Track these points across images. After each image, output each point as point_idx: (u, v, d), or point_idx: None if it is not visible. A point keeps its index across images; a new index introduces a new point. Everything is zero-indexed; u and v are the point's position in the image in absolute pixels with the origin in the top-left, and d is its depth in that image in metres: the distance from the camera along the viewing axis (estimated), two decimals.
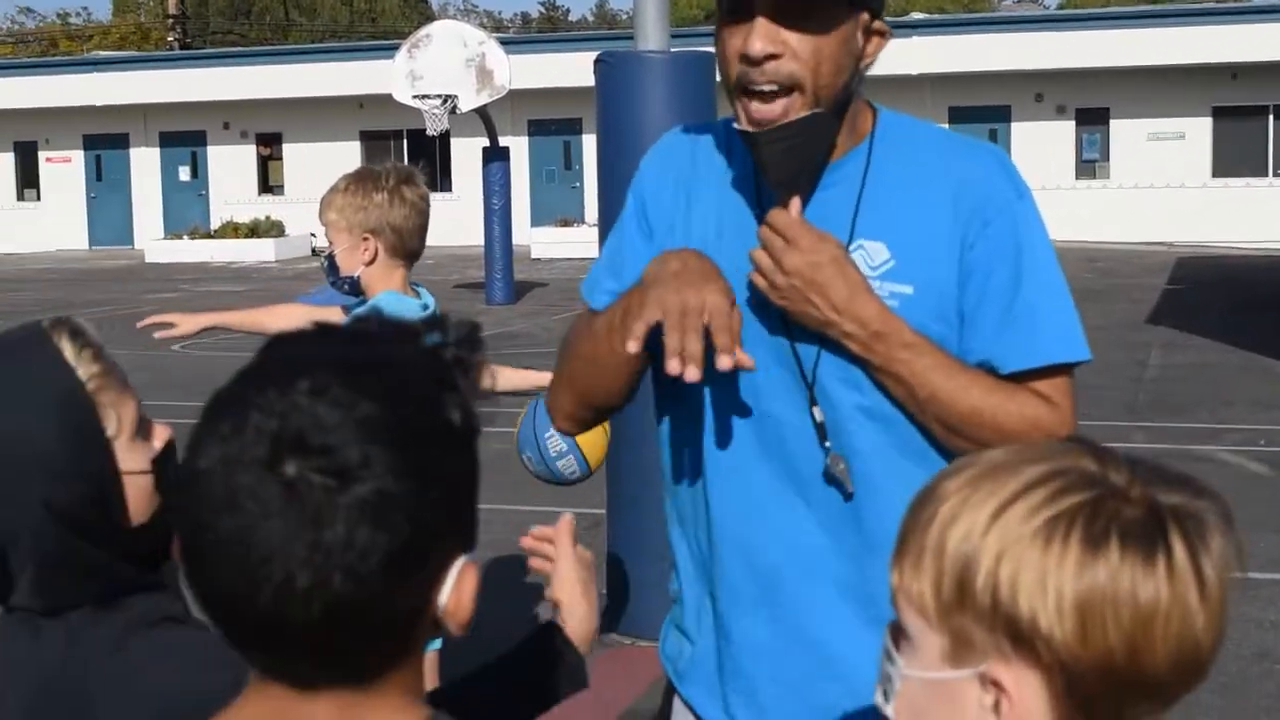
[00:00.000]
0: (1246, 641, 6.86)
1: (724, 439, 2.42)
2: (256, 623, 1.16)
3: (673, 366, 2.13)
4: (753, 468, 2.41)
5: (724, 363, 2.13)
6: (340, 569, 1.13)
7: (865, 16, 2.29)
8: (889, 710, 1.43)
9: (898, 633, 1.42)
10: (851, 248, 2.33)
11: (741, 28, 2.25)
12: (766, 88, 2.24)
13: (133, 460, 1.91)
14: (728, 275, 2.32)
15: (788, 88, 2.24)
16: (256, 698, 1.26)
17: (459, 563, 1.25)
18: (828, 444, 2.33)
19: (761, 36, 2.21)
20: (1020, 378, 2.33)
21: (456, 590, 1.25)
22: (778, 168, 2.31)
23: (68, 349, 1.89)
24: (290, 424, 1.13)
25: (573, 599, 2.11)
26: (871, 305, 2.27)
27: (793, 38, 2.22)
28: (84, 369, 1.88)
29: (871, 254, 2.34)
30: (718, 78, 8.02)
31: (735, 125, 2.34)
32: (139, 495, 1.91)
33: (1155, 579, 1.29)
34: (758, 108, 2.26)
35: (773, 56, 2.22)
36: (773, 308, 2.33)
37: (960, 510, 1.35)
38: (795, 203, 2.30)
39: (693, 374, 2.12)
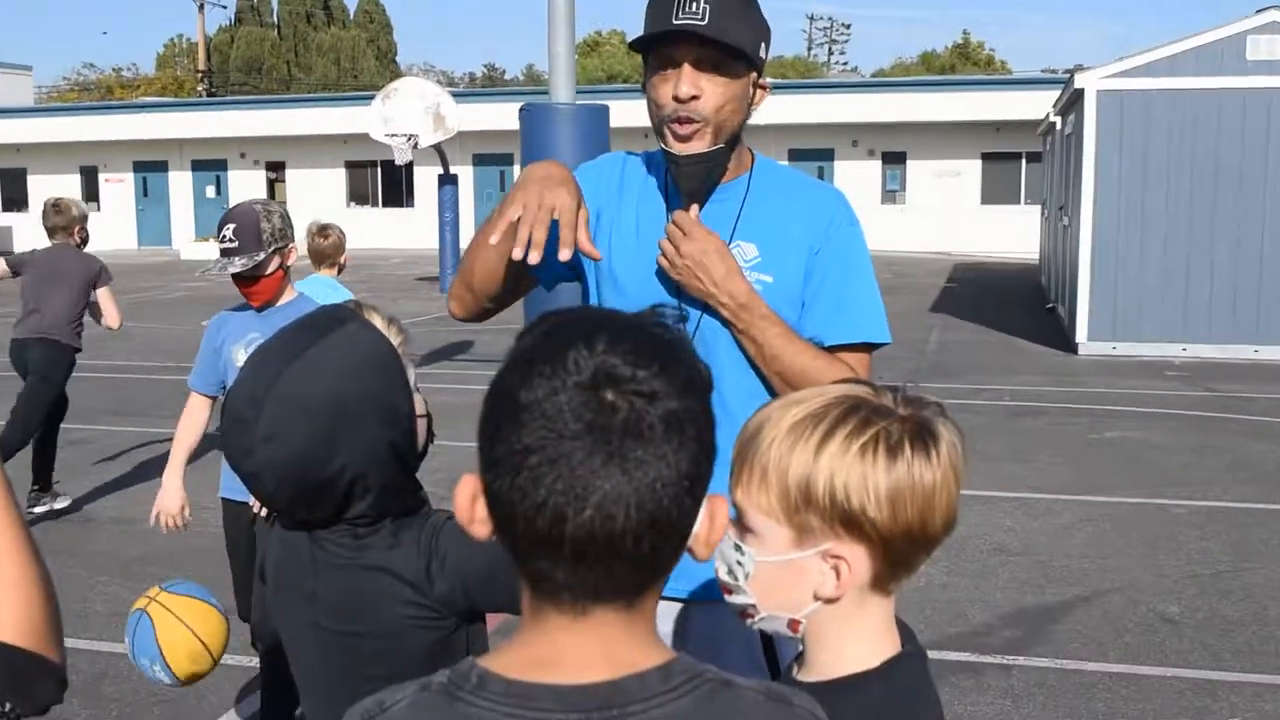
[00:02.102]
0: (989, 540, 7.08)
1: None
2: (577, 532, 1.02)
3: (516, 253, 2.16)
4: None
5: (563, 254, 2.19)
6: (656, 478, 1.02)
7: (754, 75, 2.36)
8: (745, 588, 1.49)
9: (742, 532, 1.47)
10: (731, 245, 2.39)
11: (671, 76, 2.28)
12: (687, 121, 2.28)
13: (419, 406, 1.86)
14: (644, 258, 2.42)
15: (700, 121, 2.29)
16: (532, 626, 1.11)
17: (707, 498, 1.11)
18: None
19: (687, 81, 2.26)
20: (837, 349, 2.41)
21: (709, 516, 1.11)
22: (688, 182, 2.37)
23: (378, 322, 1.82)
24: (604, 362, 1.03)
25: None
26: (741, 285, 2.35)
27: (708, 84, 2.28)
28: (393, 337, 1.81)
29: (745, 251, 2.41)
30: (613, 123, 8.05)
31: (664, 149, 2.36)
32: (421, 434, 1.87)
33: (932, 468, 1.41)
34: (678, 138, 2.31)
35: (694, 97, 2.27)
36: (674, 287, 2.39)
37: (796, 442, 1.42)
38: (695, 208, 2.38)
39: (533, 257, 2.16)
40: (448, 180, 24.11)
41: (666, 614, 2.45)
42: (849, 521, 1.40)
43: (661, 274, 2.41)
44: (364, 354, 1.77)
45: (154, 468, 9.07)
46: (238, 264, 3.95)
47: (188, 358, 16.33)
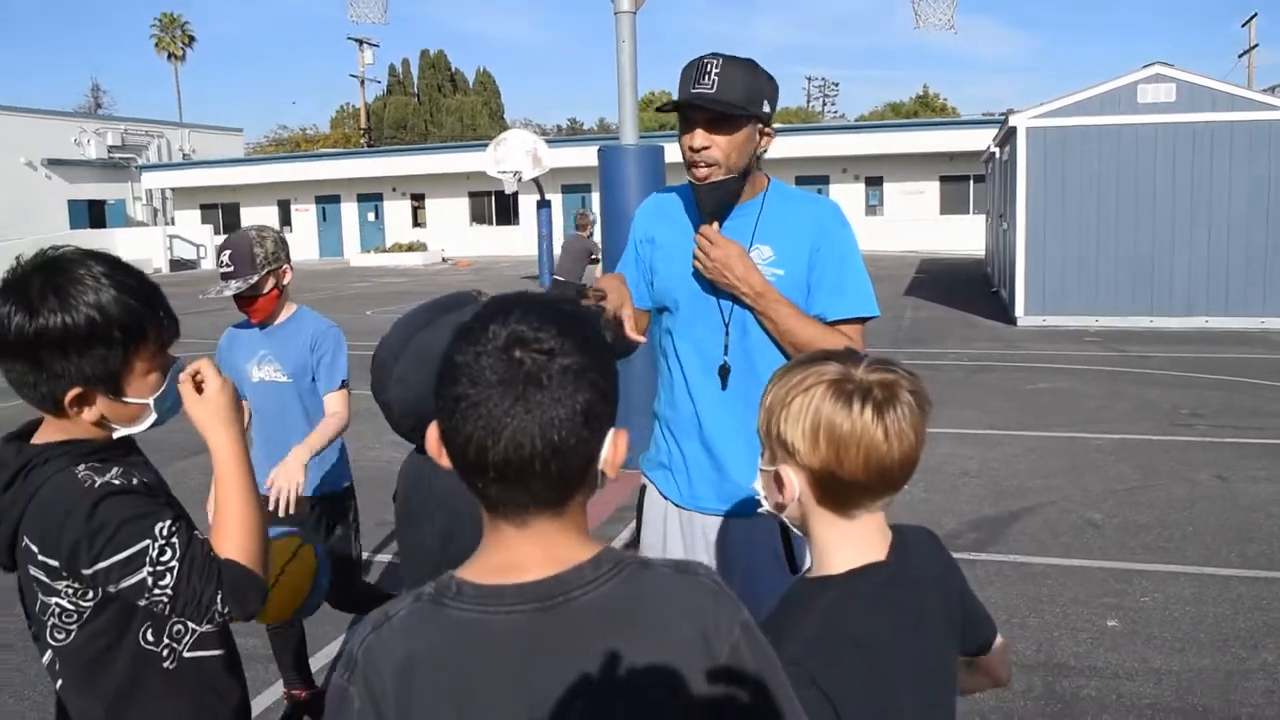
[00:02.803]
0: (956, 466, 6.95)
1: (683, 355, 2.47)
2: (496, 459, 1.03)
3: (638, 338, 2.26)
4: (692, 367, 2.46)
5: (636, 338, 2.26)
6: (554, 415, 1.03)
7: (759, 124, 2.34)
8: (755, 488, 1.48)
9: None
10: (751, 248, 2.38)
11: (689, 133, 2.32)
12: (702, 164, 2.32)
13: None
14: (678, 266, 2.45)
15: (713, 165, 2.31)
16: (492, 537, 1.11)
17: (611, 431, 1.10)
18: (726, 355, 2.41)
19: (699, 138, 2.30)
20: (837, 323, 2.38)
21: (614, 446, 1.10)
22: (708, 204, 2.37)
23: None
24: (515, 331, 1.04)
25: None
26: (757, 278, 2.33)
27: (717, 138, 2.29)
28: None
29: (763, 252, 2.39)
30: (666, 159, 7.91)
31: (690, 181, 2.38)
32: None
33: (850, 419, 1.32)
34: (698, 174, 2.33)
35: (706, 148, 2.30)
36: (709, 284, 2.39)
37: (772, 388, 1.41)
38: (715, 225, 2.38)
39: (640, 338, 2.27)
40: (543, 205, 24.12)
41: (710, 526, 2.48)
42: (785, 448, 1.37)
43: (697, 273, 2.41)
44: None
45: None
46: (233, 286, 3.38)
47: (358, 338, 16.54)
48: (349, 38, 49.40)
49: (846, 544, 1.39)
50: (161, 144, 42.01)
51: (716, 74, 2.26)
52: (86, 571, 1.46)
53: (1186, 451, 7.33)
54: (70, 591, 1.52)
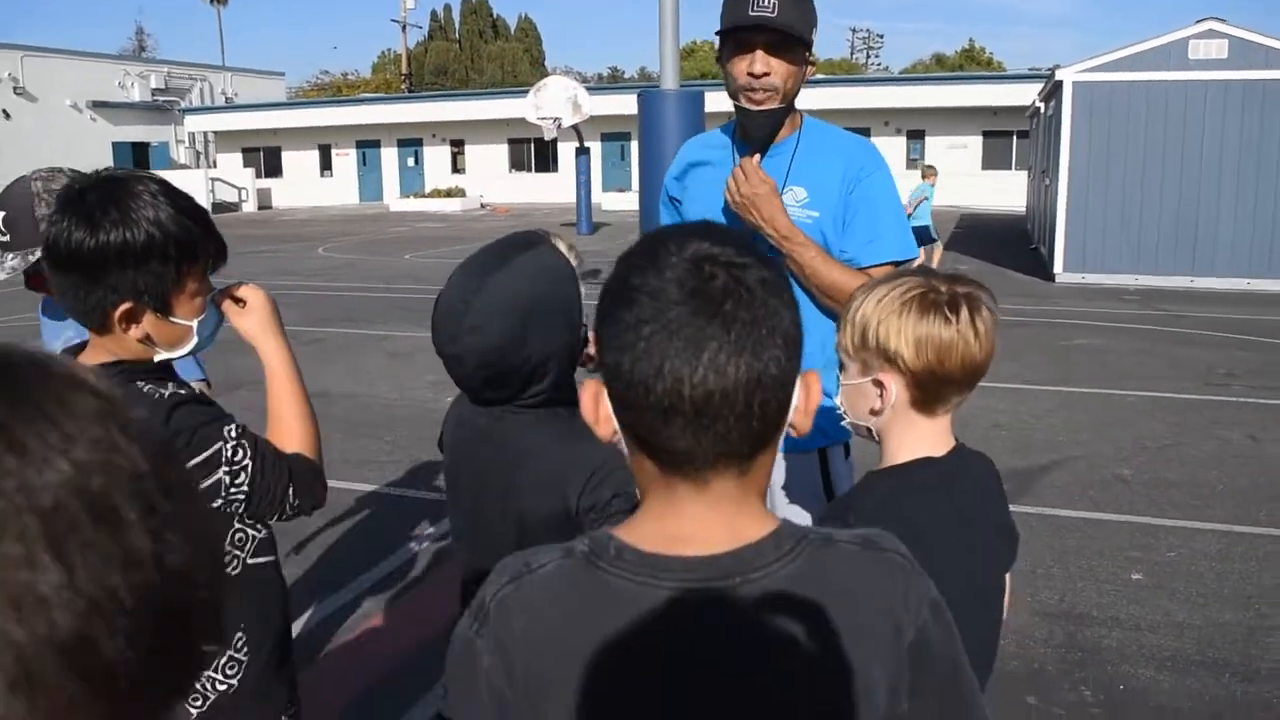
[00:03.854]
0: (987, 419, 6.89)
1: None
2: (695, 391, 0.85)
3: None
4: None
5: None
6: (756, 335, 0.87)
7: (808, 53, 2.28)
8: (838, 403, 1.59)
9: (841, 366, 1.56)
10: (785, 189, 2.32)
11: (746, 57, 2.24)
12: (761, 91, 2.25)
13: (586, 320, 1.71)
14: (716, 202, 2.37)
15: (772, 91, 2.25)
16: (661, 499, 0.94)
17: (801, 371, 0.93)
18: None
19: (761, 62, 2.23)
20: (871, 268, 2.30)
21: (805, 389, 0.94)
22: (758, 131, 2.31)
23: (562, 246, 1.71)
24: (699, 247, 0.89)
25: None
26: (784, 220, 2.28)
27: (776, 63, 2.23)
28: (572, 259, 1.71)
29: (797, 193, 2.34)
30: (707, 107, 7.84)
31: (739, 106, 2.29)
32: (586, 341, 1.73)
33: (951, 329, 1.44)
34: (755, 99, 2.26)
35: (766, 74, 2.24)
36: (734, 218, 2.32)
37: (862, 304, 1.50)
38: (756, 157, 2.31)
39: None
40: (582, 152, 24.07)
41: None
42: (887, 357, 1.47)
43: (726, 211, 2.35)
44: (551, 269, 1.66)
45: (372, 359, 9.24)
46: (8, 265, 2.24)
47: (396, 281, 16.60)
48: None
49: (919, 442, 1.51)
50: (204, 87, 42.17)
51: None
52: None
53: (1220, 411, 7.26)
54: None
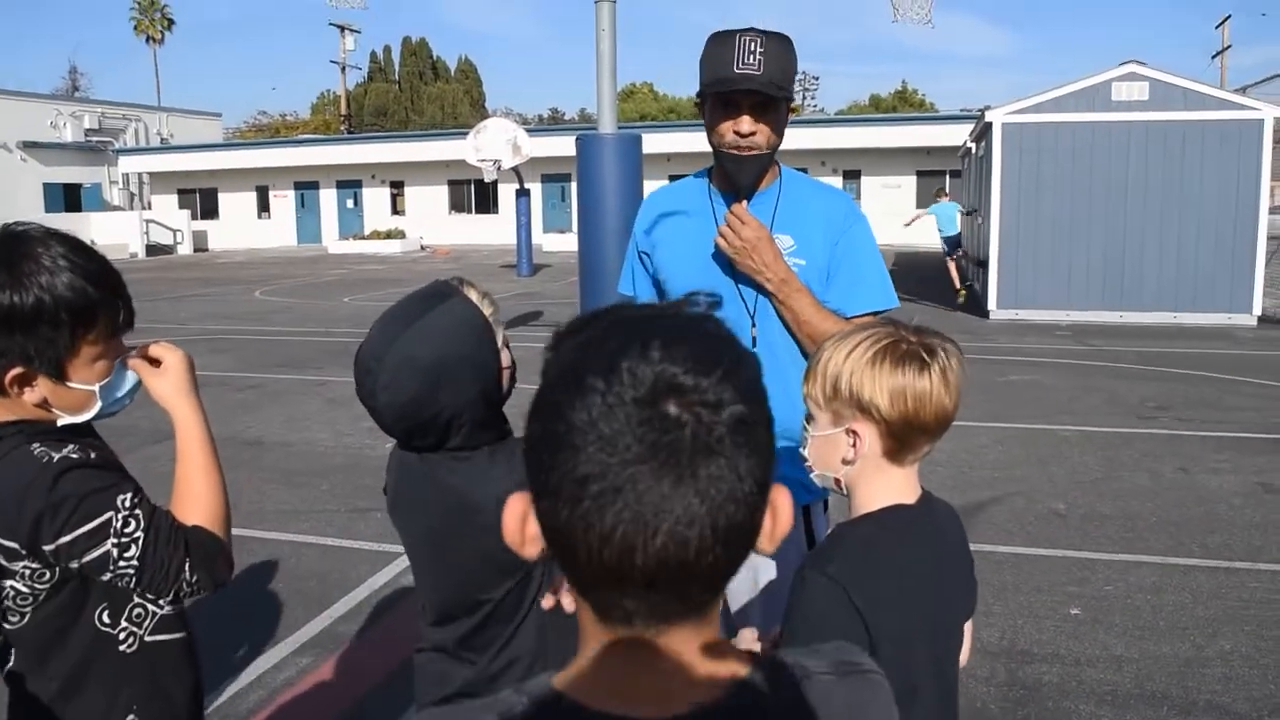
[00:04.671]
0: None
1: None
2: (647, 562, 0.71)
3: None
4: None
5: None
6: (730, 493, 0.71)
7: (789, 102, 2.26)
8: (806, 455, 1.59)
9: (808, 418, 1.58)
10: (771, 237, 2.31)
11: (732, 118, 2.22)
12: (748, 149, 2.23)
13: (506, 359, 1.75)
14: (696, 251, 2.34)
15: (757, 149, 2.24)
16: (606, 650, 0.78)
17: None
18: (755, 347, 2.29)
19: (748, 123, 2.21)
20: (854, 317, 2.28)
21: (773, 509, 0.77)
22: (746, 177, 2.28)
23: (474, 295, 1.72)
24: (664, 372, 0.71)
25: None
26: (783, 266, 2.26)
27: (763, 122, 2.22)
28: (485, 308, 1.72)
29: (783, 241, 2.31)
30: (645, 149, 7.83)
31: (725, 152, 2.26)
32: (506, 381, 1.75)
33: (926, 379, 1.47)
34: (740, 154, 2.24)
35: (753, 134, 2.22)
36: (730, 270, 2.30)
37: (832, 355, 1.52)
38: (745, 204, 2.29)
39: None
40: (522, 194, 24.08)
41: None
42: (860, 407, 1.49)
43: (721, 262, 2.31)
44: (462, 322, 1.68)
45: (308, 404, 9.09)
46: None
47: (333, 324, 16.39)
48: (331, 23, 49.11)
49: (890, 490, 1.53)
50: (139, 128, 41.59)
51: (761, 54, 2.16)
52: (49, 547, 1.43)
53: (1151, 443, 7.40)
54: (27, 573, 1.48)
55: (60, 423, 1.56)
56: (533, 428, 0.75)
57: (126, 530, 1.46)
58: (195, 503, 1.57)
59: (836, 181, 33.77)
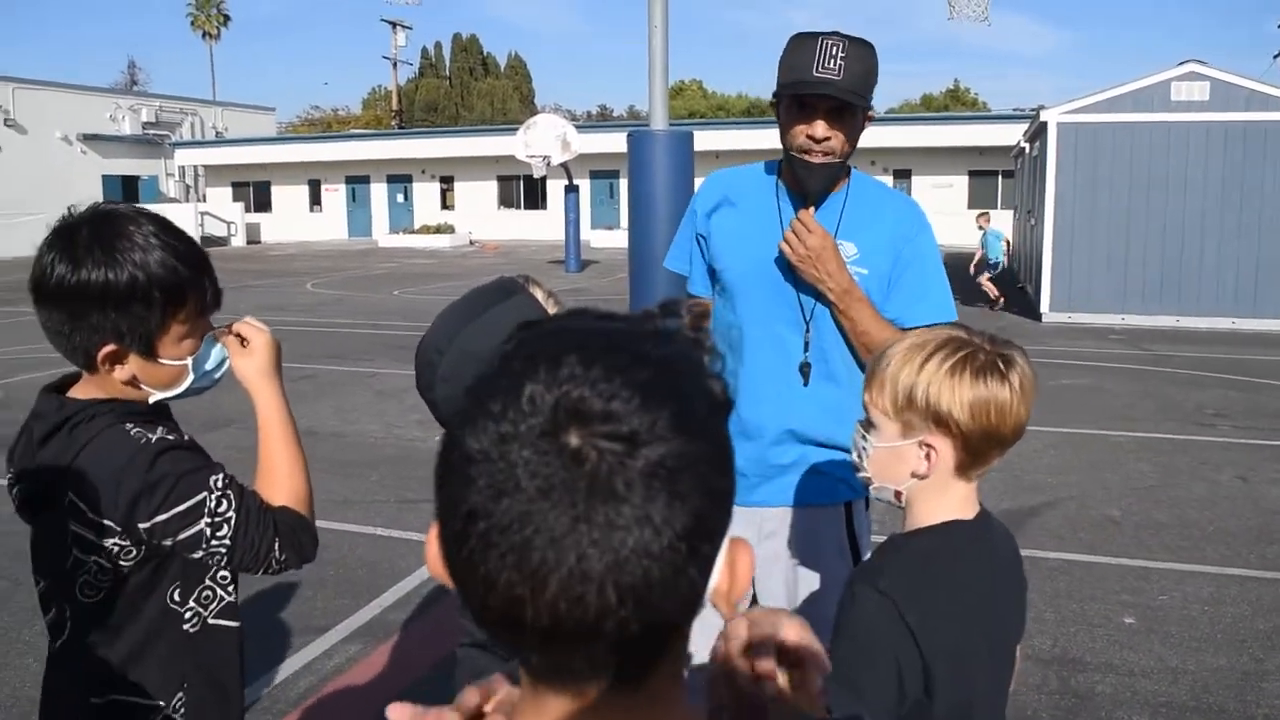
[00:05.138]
0: None
1: (757, 349, 2.32)
2: (538, 618, 0.59)
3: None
4: (767, 362, 2.31)
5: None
6: (637, 547, 0.58)
7: (868, 109, 2.22)
8: (866, 466, 1.55)
9: (867, 426, 1.54)
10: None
11: (807, 122, 2.18)
12: (820, 154, 2.19)
13: None
14: (758, 249, 2.31)
15: (831, 154, 2.20)
16: (533, 706, 0.67)
17: (725, 544, 0.65)
18: (807, 353, 2.30)
19: (822, 128, 2.17)
20: (914, 329, 2.22)
21: (730, 566, 0.66)
22: (817, 184, 2.25)
23: (539, 293, 1.70)
24: (568, 393, 0.60)
25: None
26: (846, 276, 2.22)
27: (838, 128, 2.19)
28: (550, 306, 1.69)
29: (846, 249, 2.26)
30: (696, 146, 7.86)
31: (796, 156, 2.22)
32: None
33: (1006, 389, 1.44)
34: (812, 159, 2.21)
35: (828, 139, 2.18)
36: (791, 276, 2.27)
37: (905, 364, 1.47)
38: (810, 211, 2.25)
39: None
40: (571, 190, 24.14)
41: (770, 517, 2.35)
42: (938, 420, 1.45)
43: (782, 266, 2.27)
44: (523, 319, 1.67)
45: (359, 396, 9.18)
46: None
47: (384, 318, 16.57)
48: (382, 19, 49.54)
49: (952, 505, 1.50)
50: (195, 121, 42.22)
51: (843, 59, 2.12)
52: (145, 525, 1.46)
53: (1208, 451, 7.26)
54: (115, 550, 1.50)
55: (152, 399, 1.59)
56: (441, 451, 0.65)
57: (219, 510, 1.49)
58: (280, 483, 1.61)
59: (887, 180, 33.49)
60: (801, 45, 2.17)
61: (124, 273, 1.47)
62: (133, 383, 1.55)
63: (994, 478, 6.51)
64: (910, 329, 2.23)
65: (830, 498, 2.34)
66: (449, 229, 36.21)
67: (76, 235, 1.48)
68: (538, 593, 0.59)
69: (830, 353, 2.31)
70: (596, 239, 32.58)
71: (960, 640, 1.41)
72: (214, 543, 1.49)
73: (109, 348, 1.50)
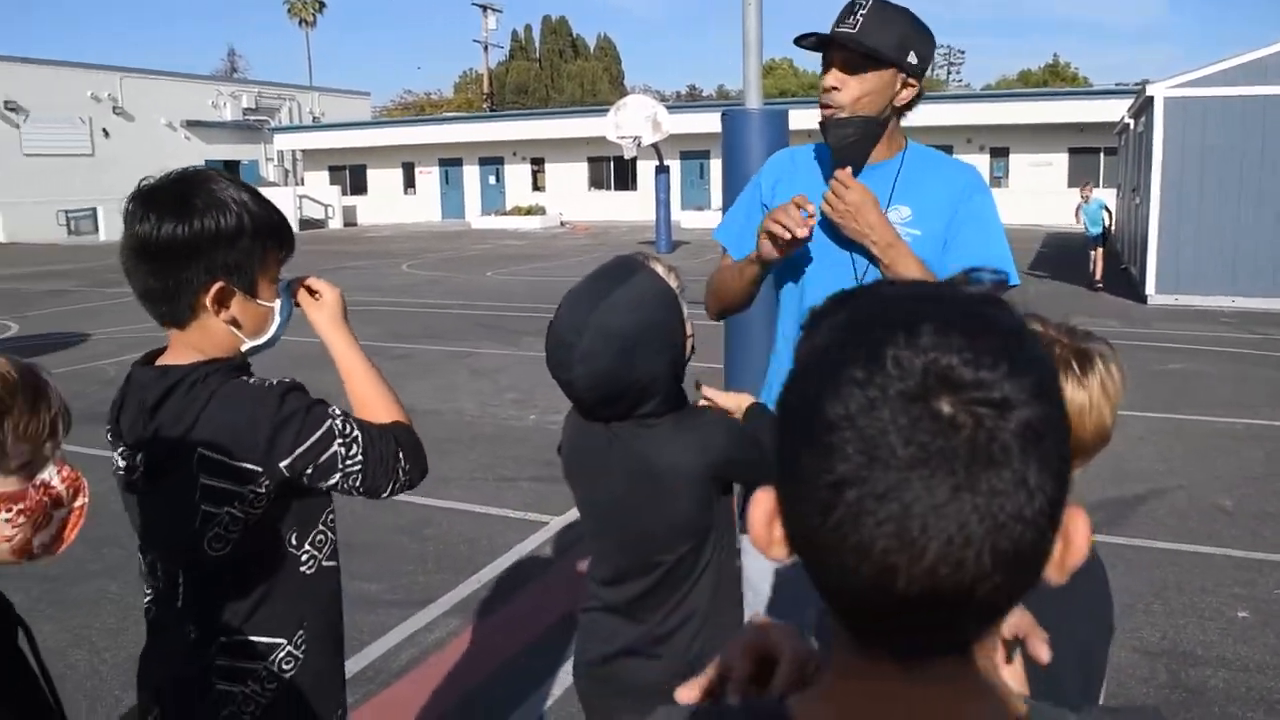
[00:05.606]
0: None
1: (808, 304, 2.27)
2: (911, 585, 0.58)
3: (802, 233, 2.14)
4: None
5: (801, 232, 2.14)
6: (1014, 511, 0.58)
7: (903, 74, 2.21)
8: None
9: None
10: (890, 207, 2.27)
11: (826, 73, 2.24)
12: (828, 106, 2.23)
13: (688, 328, 1.83)
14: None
15: (837, 108, 2.22)
16: (856, 674, 0.66)
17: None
18: None
19: (831, 78, 2.22)
20: None
21: (1065, 534, 0.63)
22: (835, 140, 2.26)
23: (660, 269, 1.82)
24: (936, 360, 0.58)
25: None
26: (889, 229, 2.22)
27: (847, 80, 2.20)
28: (671, 280, 1.81)
29: (901, 212, 2.28)
30: (790, 125, 7.74)
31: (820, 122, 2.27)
32: (688, 350, 1.84)
33: (1084, 391, 1.34)
34: (823, 114, 2.25)
35: (834, 88, 2.21)
36: (838, 234, 2.28)
37: None
38: (848, 170, 2.26)
39: (803, 232, 2.14)
40: (662, 170, 24.11)
41: None
42: None
43: (828, 225, 2.28)
44: (653, 295, 1.77)
45: (455, 375, 9.33)
46: None
47: (478, 298, 16.76)
48: (473, 3, 49.97)
49: None
50: (292, 106, 43.23)
51: (863, 14, 2.17)
52: (286, 460, 1.54)
53: None
54: (250, 497, 1.55)
55: (244, 347, 1.65)
56: (784, 419, 0.64)
57: (346, 431, 1.59)
58: (380, 410, 1.70)
59: (984, 159, 32.74)
60: (841, 11, 2.22)
61: (230, 213, 1.56)
62: (233, 324, 1.61)
63: (1096, 465, 6.25)
64: None
65: None
66: (540, 210, 36.48)
67: (166, 193, 1.56)
68: (915, 560, 0.58)
69: None
70: (687, 219, 32.51)
71: (1056, 650, 1.38)
72: (349, 462, 1.58)
73: (218, 285, 1.57)
